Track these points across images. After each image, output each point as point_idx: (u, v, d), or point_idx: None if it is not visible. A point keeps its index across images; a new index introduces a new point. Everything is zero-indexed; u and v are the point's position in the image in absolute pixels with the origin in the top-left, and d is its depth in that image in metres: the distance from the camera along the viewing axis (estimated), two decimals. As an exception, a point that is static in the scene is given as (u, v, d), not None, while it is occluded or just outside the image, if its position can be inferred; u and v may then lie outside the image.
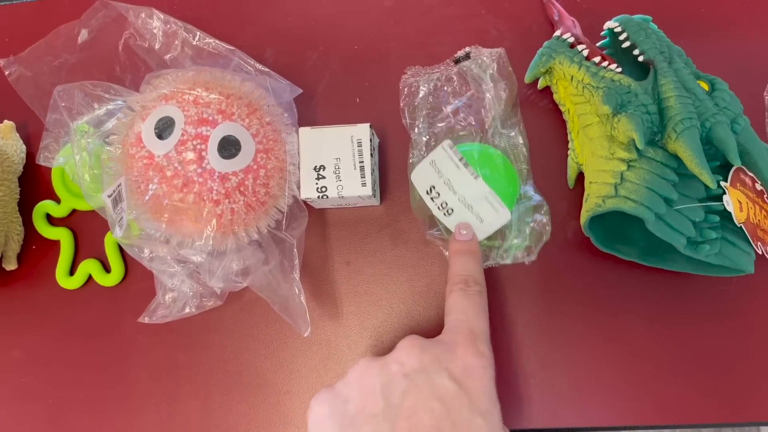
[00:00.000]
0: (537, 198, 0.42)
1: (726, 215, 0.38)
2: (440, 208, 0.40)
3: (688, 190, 0.38)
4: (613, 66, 0.40)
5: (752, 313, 0.42)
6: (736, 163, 0.37)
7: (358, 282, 0.45)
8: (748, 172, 0.39)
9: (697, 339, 0.42)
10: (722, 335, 0.42)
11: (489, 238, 0.42)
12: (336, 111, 0.47)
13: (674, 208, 0.37)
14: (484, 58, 0.43)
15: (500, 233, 0.42)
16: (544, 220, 0.42)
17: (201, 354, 0.45)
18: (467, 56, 0.43)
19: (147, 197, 0.38)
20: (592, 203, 0.38)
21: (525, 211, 0.42)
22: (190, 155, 0.38)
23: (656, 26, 0.43)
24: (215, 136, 0.38)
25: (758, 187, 0.40)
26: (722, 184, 0.38)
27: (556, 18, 0.45)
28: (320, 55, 0.48)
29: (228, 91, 0.40)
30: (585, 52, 0.41)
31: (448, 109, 0.44)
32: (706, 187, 0.38)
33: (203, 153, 0.38)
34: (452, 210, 0.40)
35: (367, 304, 0.45)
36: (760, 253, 0.39)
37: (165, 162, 0.38)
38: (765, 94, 0.42)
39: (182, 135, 0.38)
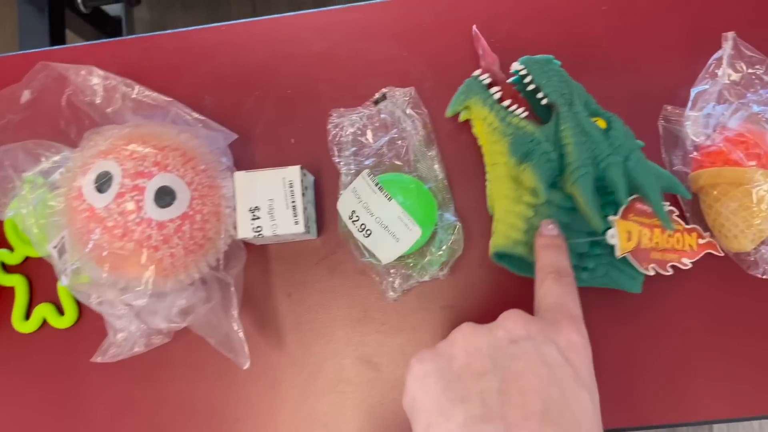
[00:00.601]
0: (452, 219, 0.46)
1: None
2: (360, 229, 0.43)
3: (581, 225, 0.42)
4: (520, 111, 0.44)
5: (657, 317, 0.45)
6: (622, 202, 0.41)
7: (300, 312, 0.48)
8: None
9: (605, 344, 0.45)
10: (629, 339, 0.45)
11: (409, 257, 0.46)
12: (273, 152, 0.50)
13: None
14: (398, 98, 0.46)
15: (420, 252, 0.45)
16: (458, 239, 0.46)
17: (155, 388, 0.48)
18: (384, 97, 0.47)
19: (89, 247, 0.40)
20: (500, 240, 0.42)
21: (442, 233, 0.46)
22: (129, 206, 0.41)
23: (559, 63, 0.47)
24: (151, 187, 0.41)
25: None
26: (610, 218, 0.42)
27: (480, 53, 0.48)
28: (256, 99, 0.51)
29: (163, 143, 0.43)
30: (497, 95, 0.44)
31: (374, 145, 0.47)
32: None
33: (141, 203, 0.41)
34: (370, 231, 0.43)
35: (308, 333, 0.48)
36: (652, 274, 0.43)
37: (105, 213, 0.41)
38: (659, 122, 0.46)
39: (120, 188, 0.41)
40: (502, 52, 0.49)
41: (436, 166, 0.47)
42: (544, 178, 0.40)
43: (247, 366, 0.43)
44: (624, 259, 0.42)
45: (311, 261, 0.49)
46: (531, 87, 0.44)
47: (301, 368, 0.47)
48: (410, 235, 0.43)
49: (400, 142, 0.47)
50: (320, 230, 0.49)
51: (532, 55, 0.47)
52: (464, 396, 0.31)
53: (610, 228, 0.42)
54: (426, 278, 0.45)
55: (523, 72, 0.45)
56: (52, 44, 0.89)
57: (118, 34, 1.04)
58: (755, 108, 0.43)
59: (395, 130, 0.47)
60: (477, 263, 0.47)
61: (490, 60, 0.47)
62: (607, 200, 0.42)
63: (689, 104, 0.45)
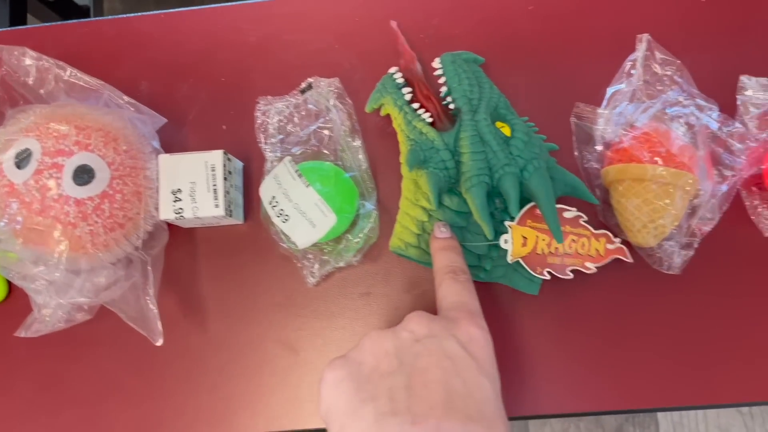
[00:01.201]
0: (370, 207, 0.47)
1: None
2: (278, 215, 0.45)
3: (478, 228, 0.44)
4: (427, 115, 0.45)
5: (567, 310, 0.47)
6: (514, 214, 0.42)
7: (224, 295, 0.49)
8: None
9: (515, 338, 0.46)
10: (534, 332, 0.46)
11: (327, 243, 0.47)
12: (204, 138, 0.51)
13: (463, 244, 0.43)
14: (323, 88, 0.47)
15: (338, 238, 0.47)
16: (374, 227, 0.47)
17: (79, 365, 0.49)
18: (309, 86, 0.48)
19: (4, 222, 0.41)
20: (395, 242, 0.45)
21: (362, 221, 0.47)
22: (47, 183, 0.42)
23: (483, 60, 0.48)
24: (70, 165, 0.42)
25: (567, 215, 0.45)
26: (507, 223, 0.44)
27: (400, 50, 0.50)
28: (190, 86, 0.52)
29: (86, 123, 0.44)
30: (408, 96, 0.46)
31: (300, 134, 0.48)
32: (497, 223, 0.44)
33: (59, 181, 0.42)
34: (288, 217, 0.44)
35: (232, 316, 0.49)
36: (548, 278, 0.44)
37: (24, 189, 0.42)
38: (571, 119, 0.47)
39: (39, 165, 0.42)
40: (430, 47, 0.50)
41: (360, 156, 0.48)
42: (437, 187, 0.42)
43: (160, 342, 0.44)
44: (521, 263, 0.44)
45: (237, 245, 0.50)
46: (443, 89, 0.46)
47: (223, 350, 0.48)
48: (326, 221, 0.44)
49: (326, 131, 0.48)
50: (247, 215, 0.50)
51: (457, 51, 0.49)
52: (374, 395, 0.33)
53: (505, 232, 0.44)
54: (341, 264, 0.46)
55: (439, 71, 0.46)
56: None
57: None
58: (666, 108, 0.44)
59: (322, 120, 0.48)
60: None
61: (408, 57, 0.48)
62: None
63: (604, 102, 0.46)
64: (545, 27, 0.50)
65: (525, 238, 0.44)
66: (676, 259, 0.45)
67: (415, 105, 0.45)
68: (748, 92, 0.45)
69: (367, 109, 0.48)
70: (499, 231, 0.44)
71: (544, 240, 0.44)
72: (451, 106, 0.45)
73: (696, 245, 0.45)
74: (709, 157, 0.44)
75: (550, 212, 0.42)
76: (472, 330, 0.36)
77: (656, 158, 0.43)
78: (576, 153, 0.46)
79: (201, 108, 0.52)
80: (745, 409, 1.01)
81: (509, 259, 0.44)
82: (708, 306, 0.46)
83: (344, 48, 0.52)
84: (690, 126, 0.44)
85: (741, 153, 0.45)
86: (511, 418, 0.45)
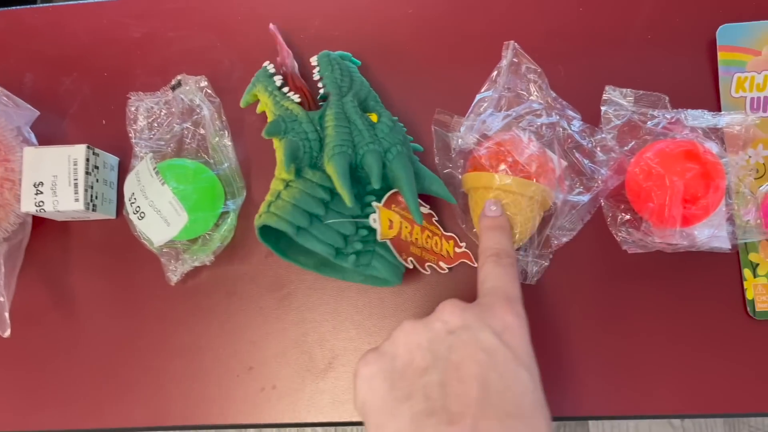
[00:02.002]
0: (231, 206, 0.47)
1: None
2: (135, 212, 0.45)
3: (345, 208, 0.43)
4: (296, 96, 0.45)
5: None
6: (376, 186, 0.41)
7: (92, 290, 0.49)
8: None
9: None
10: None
11: (186, 242, 0.47)
12: (84, 132, 0.51)
13: (325, 222, 0.42)
14: (191, 85, 0.47)
15: (202, 238, 0.47)
16: (231, 227, 0.47)
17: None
18: (179, 83, 0.48)
19: None
20: (256, 219, 0.43)
21: (225, 219, 0.47)
22: None
23: (359, 63, 0.48)
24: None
25: (422, 210, 0.45)
26: (374, 204, 0.43)
27: (278, 48, 0.49)
28: (74, 80, 0.52)
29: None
30: (279, 82, 0.46)
31: (172, 130, 0.48)
32: (364, 205, 0.43)
33: None
34: (144, 214, 0.44)
35: (99, 311, 0.49)
36: (410, 267, 0.44)
37: None
38: (432, 126, 0.47)
39: None
40: (309, 47, 0.50)
41: (230, 154, 0.48)
42: (291, 151, 0.41)
43: (7, 334, 0.44)
44: (387, 249, 0.43)
45: (110, 240, 0.50)
46: (316, 77, 0.45)
47: (88, 344, 0.48)
48: (179, 220, 0.44)
49: (195, 128, 0.48)
50: (120, 211, 0.50)
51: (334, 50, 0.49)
52: (409, 393, 0.32)
53: (374, 213, 0.43)
54: (197, 263, 0.46)
55: (314, 65, 0.46)
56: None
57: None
58: (525, 116, 0.44)
59: (195, 117, 0.49)
60: (266, 251, 0.48)
61: (283, 53, 0.48)
62: (374, 190, 0.44)
63: (469, 110, 0.46)
64: (423, 31, 0.50)
65: (391, 221, 0.43)
66: (531, 268, 0.45)
67: (286, 89, 0.45)
68: (612, 103, 0.45)
69: (242, 103, 0.48)
70: (367, 215, 0.44)
71: (407, 228, 0.44)
72: (321, 91, 0.45)
73: (551, 256, 0.45)
74: (560, 167, 0.44)
75: (410, 193, 0.42)
76: (508, 318, 0.34)
77: (505, 167, 0.42)
78: (436, 160, 0.46)
79: (83, 102, 0.52)
80: (677, 422, 1.00)
81: (378, 237, 0.43)
82: (563, 316, 0.45)
83: (225, 46, 0.52)
84: (540, 135, 0.44)
85: (604, 163, 0.45)
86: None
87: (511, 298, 0.36)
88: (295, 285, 0.48)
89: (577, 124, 0.45)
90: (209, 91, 0.49)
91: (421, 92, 0.49)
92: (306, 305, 0.48)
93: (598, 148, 0.45)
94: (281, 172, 0.43)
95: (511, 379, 0.32)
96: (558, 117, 0.45)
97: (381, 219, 0.43)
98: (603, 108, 0.45)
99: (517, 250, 0.45)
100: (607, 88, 0.45)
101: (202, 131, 0.48)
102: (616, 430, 1.03)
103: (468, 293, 0.46)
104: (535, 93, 0.45)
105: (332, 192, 0.42)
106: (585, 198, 0.45)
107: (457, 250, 0.45)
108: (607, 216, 0.45)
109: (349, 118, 0.43)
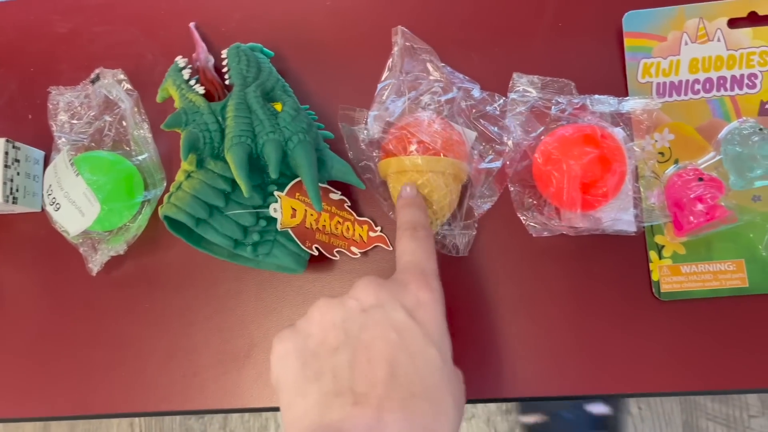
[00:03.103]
0: (149, 196, 0.48)
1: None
2: (51, 203, 0.45)
3: (247, 199, 0.43)
4: (201, 88, 0.45)
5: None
6: (273, 176, 0.42)
7: (19, 282, 0.50)
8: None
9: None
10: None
11: (103, 232, 0.48)
12: (11, 127, 0.52)
13: (225, 213, 0.43)
14: (110, 78, 0.48)
15: (121, 228, 0.48)
16: (144, 217, 0.48)
17: None
18: (98, 77, 0.49)
19: None
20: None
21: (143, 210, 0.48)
22: None
23: (271, 54, 0.49)
24: None
25: (333, 197, 0.46)
26: (276, 193, 0.44)
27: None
28: (1, 76, 0.53)
29: None
30: (186, 76, 0.46)
31: (92, 123, 0.49)
32: (266, 196, 0.44)
33: None
34: (59, 205, 0.45)
35: (23, 302, 0.50)
36: (316, 254, 0.45)
37: None
38: (339, 121, 0.47)
39: None
40: (229, 41, 0.50)
41: (150, 146, 0.49)
42: (189, 142, 0.42)
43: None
44: (289, 237, 0.44)
45: (33, 233, 0.51)
46: (225, 69, 0.46)
47: (13, 336, 0.49)
48: (92, 210, 0.45)
49: (115, 121, 0.49)
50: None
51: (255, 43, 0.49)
52: (318, 372, 0.32)
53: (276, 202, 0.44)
54: (112, 253, 0.47)
55: (223, 57, 0.47)
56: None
57: None
58: (422, 96, 0.45)
59: (117, 110, 0.49)
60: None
61: (199, 48, 0.49)
62: (279, 179, 0.44)
63: (374, 100, 0.46)
64: (340, 22, 0.51)
65: (294, 210, 0.44)
66: (461, 241, 0.45)
67: (192, 82, 0.46)
68: (519, 90, 0.46)
69: (158, 98, 0.49)
70: (270, 204, 0.44)
71: (312, 215, 0.45)
72: (227, 82, 0.45)
73: (477, 225, 0.46)
74: (469, 138, 0.45)
75: (310, 181, 0.42)
76: (421, 294, 0.35)
77: (414, 148, 0.43)
78: (350, 154, 0.47)
79: (9, 97, 0.53)
80: (635, 410, 1.01)
81: (279, 226, 0.44)
82: (496, 286, 0.46)
83: (148, 41, 0.52)
84: (443, 111, 0.45)
85: (513, 128, 0.45)
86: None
87: (426, 272, 0.36)
88: (216, 274, 0.49)
89: (477, 93, 0.46)
90: (127, 84, 0.50)
91: (336, 82, 0.50)
92: (228, 294, 0.48)
93: (503, 115, 0.46)
94: (183, 163, 0.43)
95: (420, 358, 0.32)
96: (457, 90, 0.46)
97: (283, 208, 0.43)
98: (510, 95, 0.46)
99: (444, 225, 0.45)
100: (514, 75, 0.46)
101: (124, 123, 0.49)
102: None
103: (386, 275, 0.47)
104: (433, 72, 0.46)
105: (234, 183, 0.43)
106: (498, 164, 0.46)
107: (372, 234, 0.46)
108: (514, 200, 0.46)
109: (251, 107, 0.43)
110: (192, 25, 0.50)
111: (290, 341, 0.34)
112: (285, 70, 0.50)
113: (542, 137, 0.45)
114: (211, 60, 0.49)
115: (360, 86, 0.49)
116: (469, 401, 0.44)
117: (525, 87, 0.46)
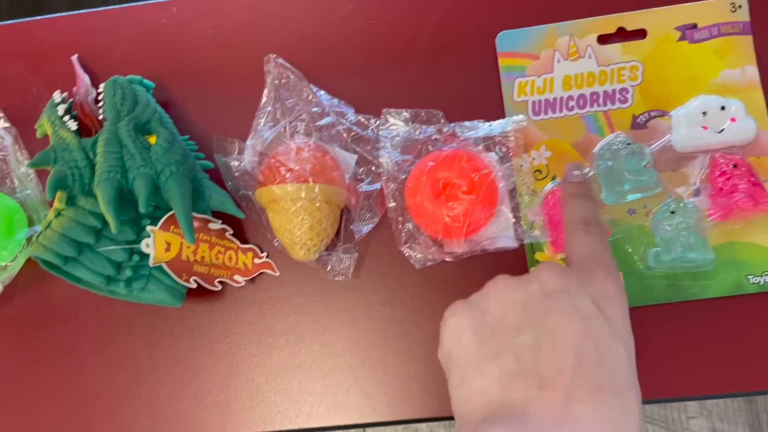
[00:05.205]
0: (31, 233, 0.48)
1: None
2: None
3: (119, 234, 0.43)
4: (74, 124, 0.45)
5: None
6: (142, 210, 0.42)
7: None
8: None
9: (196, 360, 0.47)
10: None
11: None
12: None
13: (96, 249, 0.42)
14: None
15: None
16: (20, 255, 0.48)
17: None
18: (-26, 115, 0.48)
19: None
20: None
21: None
22: None
23: (152, 83, 0.49)
24: None
25: (212, 227, 0.46)
26: (148, 228, 0.43)
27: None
28: None
29: None
30: (61, 111, 0.46)
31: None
32: (140, 230, 0.44)
33: None
34: None
35: None
36: (194, 287, 0.45)
37: None
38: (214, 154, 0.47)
39: None
40: (111, 73, 0.50)
41: (33, 183, 0.49)
42: (54, 180, 0.42)
43: None
44: (165, 271, 0.44)
45: None
46: (101, 104, 0.46)
47: None
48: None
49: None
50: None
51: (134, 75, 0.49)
52: (498, 351, 0.31)
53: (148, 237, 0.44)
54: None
55: (100, 90, 0.47)
56: None
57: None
58: (294, 123, 0.45)
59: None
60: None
61: (79, 82, 0.48)
62: (154, 215, 0.44)
63: (251, 128, 0.47)
64: (222, 51, 0.51)
65: (169, 243, 0.44)
66: (343, 264, 0.45)
67: (67, 117, 0.45)
68: (390, 124, 0.46)
69: (38, 134, 0.48)
70: (143, 239, 0.44)
71: (189, 248, 0.45)
72: (100, 117, 0.45)
73: (357, 248, 0.46)
74: (346, 162, 0.45)
75: (183, 213, 0.42)
76: (608, 286, 0.33)
77: (288, 176, 0.43)
78: (228, 185, 0.47)
79: None
80: None
81: (151, 262, 0.43)
82: (379, 307, 0.46)
83: (33, 75, 0.52)
84: (319, 137, 0.45)
85: (385, 164, 0.46)
86: None
87: (608, 265, 0.35)
88: (89, 309, 0.48)
89: (352, 117, 0.47)
90: (5, 122, 0.49)
91: (218, 111, 0.50)
92: (117, 327, 0.48)
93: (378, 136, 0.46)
94: (56, 202, 0.43)
95: (607, 351, 0.31)
96: (333, 115, 0.46)
97: (156, 242, 0.43)
98: (381, 132, 0.46)
99: (325, 251, 0.45)
100: (383, 111, 0.47)
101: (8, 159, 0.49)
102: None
103: (274, 301, 0.47)
104: (307, 98, 0.46)
105: (103, 216, 0.43)
106: (377, 185, 0.46)
107: (257, 261, 0.46)
108: (394, 233, 0.46)
109: (122, 142, 0.43)
110: (74, 57, 0.50)
111: (465, 316, 0.33)
112: (167, 102, 0.50)
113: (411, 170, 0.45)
114: (92, 93, 0.49)
115: (241, 115, 0.49)
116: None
117: (395, 121, 0.46)
